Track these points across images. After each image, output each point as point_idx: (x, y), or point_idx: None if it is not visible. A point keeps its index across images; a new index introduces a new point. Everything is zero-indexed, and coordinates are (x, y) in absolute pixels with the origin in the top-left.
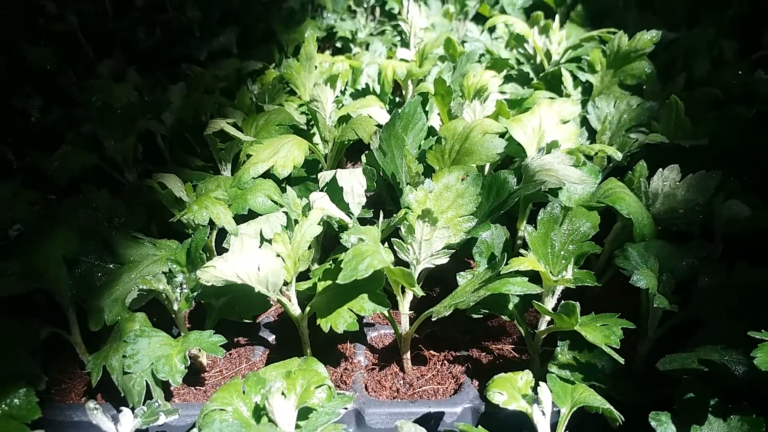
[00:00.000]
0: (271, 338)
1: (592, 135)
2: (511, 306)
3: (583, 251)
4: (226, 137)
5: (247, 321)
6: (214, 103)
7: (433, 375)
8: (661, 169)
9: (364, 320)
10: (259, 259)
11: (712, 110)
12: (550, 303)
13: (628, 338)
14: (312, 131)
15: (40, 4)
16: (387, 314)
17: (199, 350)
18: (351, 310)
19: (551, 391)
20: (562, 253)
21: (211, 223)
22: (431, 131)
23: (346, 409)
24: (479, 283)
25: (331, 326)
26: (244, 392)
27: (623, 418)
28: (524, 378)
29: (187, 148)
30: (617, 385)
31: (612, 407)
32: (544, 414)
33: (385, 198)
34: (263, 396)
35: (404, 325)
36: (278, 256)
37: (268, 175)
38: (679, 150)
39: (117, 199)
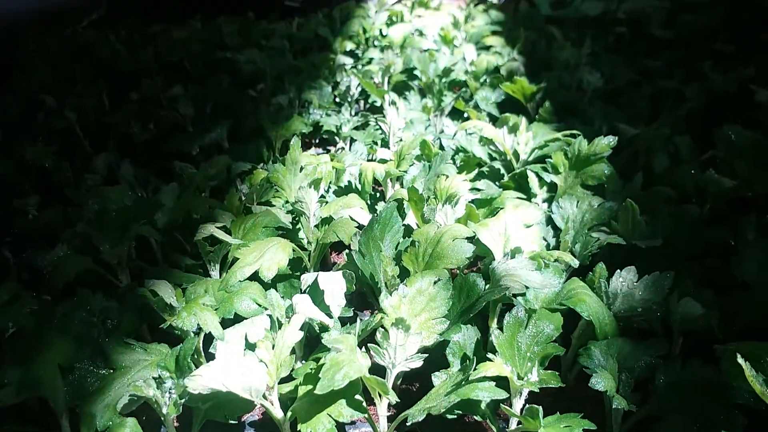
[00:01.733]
0: None
1: (558, 233)
2: (483, 406)
3: (548, 353)
4: (215, 240)
5: (233, 421)
6: (205, 204)
7: None
8: (619, 270)
9: None
10: (243, 366)
11: (667, 208)
12: (518, 403)
13: None
14: (297, 227)
15: (40, 99)
16: (366, 416)
17: None
18: (330, 416)
19: None
20: (528, 354)
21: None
22: (408, 230)
23: None
24: (451, 385)
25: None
26: None
27: None
28: None
29: (177, 247)
30: None
31: None
32: None
33: (366, 293)
34: None
35: (383, 426)
36: (261, 361)
37: (254, 276)
38: (637, 248)
39: (111, 299)
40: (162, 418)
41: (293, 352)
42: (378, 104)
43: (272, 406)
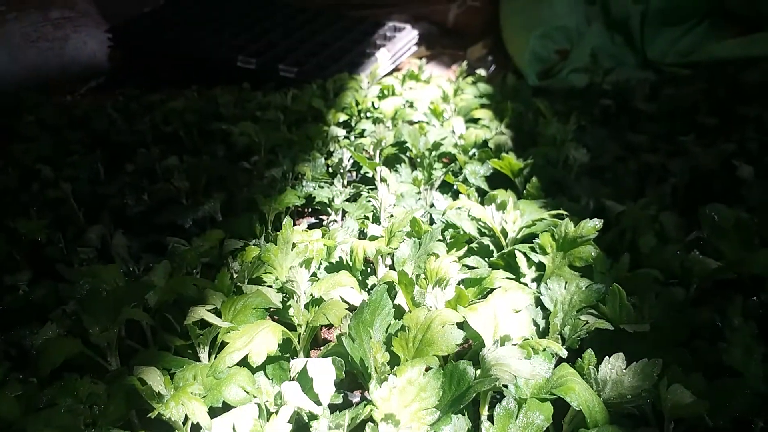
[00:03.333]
0: None
1: (547, 314)
2: None
3: None
4: (205, 322)
5: None
6: (195, 284)
7: None
8: (607, 357)
9: None
10: None
11: (654, 289)
12: None
13: None
14: (288, 304)
15: (36, 168)
16: None
17: None
18: None
19: None
20: None
21: None
22: (399, 310)
23: None
24: None
25: None
26: None
27: None
28: None
29: (168, 327)
30: None
31: None
32: None
33: (357, 374)
34: None
35: None
36: None
37: (243, 359)
38: (625, 330)
39: (99, 382)
40: None
41: None
42: (370, 175)
43: None
